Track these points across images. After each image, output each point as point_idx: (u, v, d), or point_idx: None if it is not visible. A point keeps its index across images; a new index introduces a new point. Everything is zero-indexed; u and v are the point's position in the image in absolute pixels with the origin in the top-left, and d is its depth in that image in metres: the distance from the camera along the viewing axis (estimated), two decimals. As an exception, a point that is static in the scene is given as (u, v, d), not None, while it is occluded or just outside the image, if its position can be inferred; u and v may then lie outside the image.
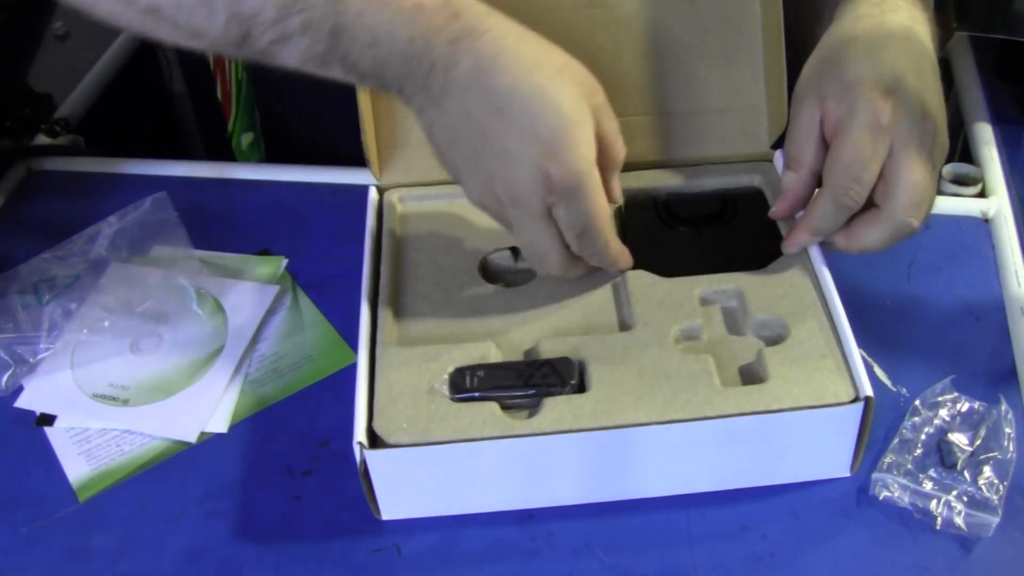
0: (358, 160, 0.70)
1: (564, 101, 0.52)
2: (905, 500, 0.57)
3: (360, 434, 0.54)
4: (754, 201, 0.68)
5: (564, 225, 0.56)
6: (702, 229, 0.67)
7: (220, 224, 0.78)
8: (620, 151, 0.58)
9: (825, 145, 0.59)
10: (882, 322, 0.67)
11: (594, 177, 0.54)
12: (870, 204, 0.59)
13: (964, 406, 0.61)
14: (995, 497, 0.56)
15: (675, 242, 0.66)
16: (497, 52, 0.52)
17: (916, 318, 0.68)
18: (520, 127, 0.52)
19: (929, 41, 0.62)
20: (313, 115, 0.95)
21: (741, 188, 0.69)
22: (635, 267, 0.63)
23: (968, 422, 0.60)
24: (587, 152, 0.53)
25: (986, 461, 0.58)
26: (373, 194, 0.70)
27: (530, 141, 0.52)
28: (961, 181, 0.78)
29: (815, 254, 0.63)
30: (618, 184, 0.61)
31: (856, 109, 0.57)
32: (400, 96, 0.55)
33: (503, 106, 0.52)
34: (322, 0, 0.51)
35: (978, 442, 0.59)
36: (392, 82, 0.54)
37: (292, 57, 0.53)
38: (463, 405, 0.56)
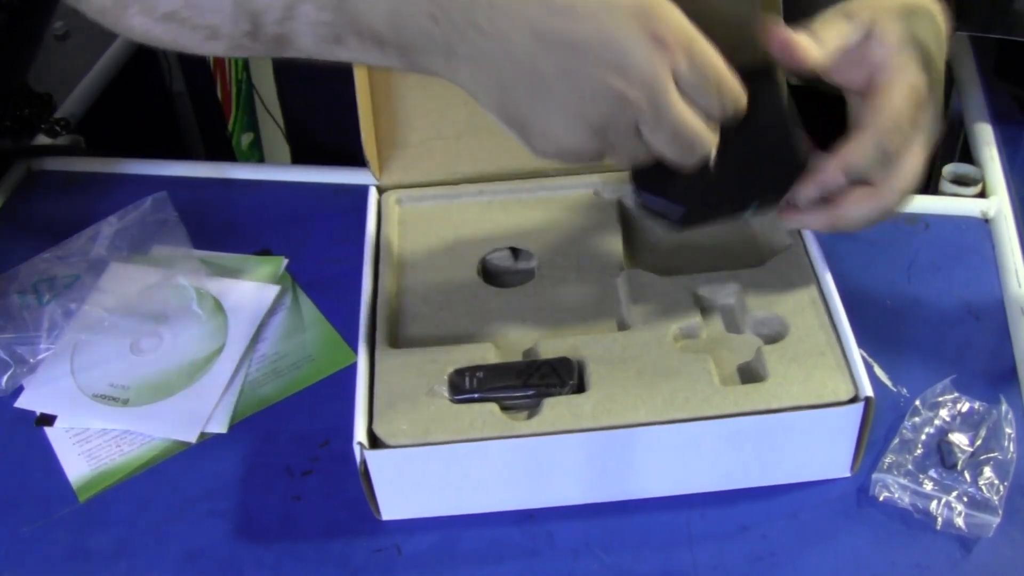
0: (362, 160, 0.70)
1: None
2: (905, 500, 0.57)
3: (360, 434, 0.54)
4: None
5: (695, 87, 0.49)
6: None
7: (220, 224, 0.79)
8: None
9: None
10: (882, 322, 0.67)
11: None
12: (862, 182, 0.56)
13: (964, 406, 0.61)
14: (995, 497, 0.56)
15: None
16: None
17: (916, 318, 0.68)
18: (599, 9, 0.47)
19: (944, 26, 0.59)
20: (335, 117, 0.95)
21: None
22: (634, 266, 0.63)
23: (968, 422, 0.60)
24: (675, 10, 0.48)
25: (986, 461, 0.58)
26: (373, 194, 0.70)
27: (619, 18, 0.47)
28: (961, 181, 0.78)
29: (815, 252, 0.63)
30: None
31: (904, 66, 0.54)
32: (428, 59, 0.49)
33: (571, 2, 0.47)
34: None
35: (978, 442, 0.59)
36: (415, 40, 0.48)
37: (305, 36, 0.50)
38: (463, 406, 0.56)
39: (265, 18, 0.50)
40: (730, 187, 0.55)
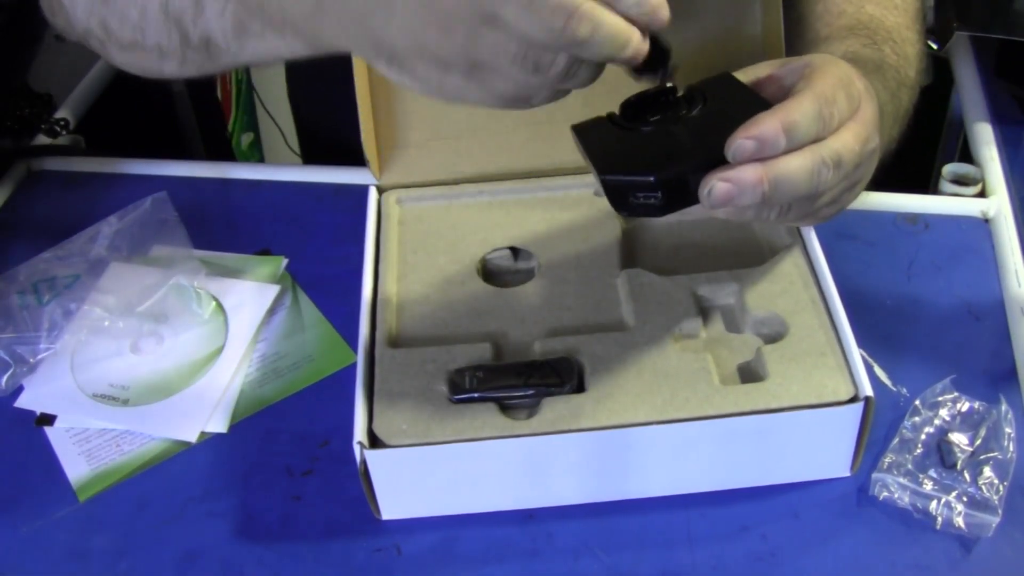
0: (362, 160, 0.70)
1: None
2: (905, 500, 0.57)
3: (360, 434, 0.54)
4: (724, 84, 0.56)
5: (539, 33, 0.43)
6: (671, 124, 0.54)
7: (220, 224, 0.79)
8: None
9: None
10: (882, 322, 0.67)
11: None
12: None
13: (964, 406, 0.61)
14: (995, 497, 0.56)
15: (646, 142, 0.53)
16: None
17: (916, 318, 0.68)
18: None
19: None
20: (345, 114, 0.95)
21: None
22: (634, 265, 0.63)
23: (968, 422, 0.60)
24: None
25: (986, 461, 0.58)
26: (373, 194, 0.70)
27: None
28: (961, 181, 0.78)
29: (815, 251, 0.63)
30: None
31: (834, 61, 0.53)
32: (312, 25, 0.50)
33: None
34: None
35: (978, 442, 0.59)
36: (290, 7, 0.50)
37: (216, 30, 0.55)
38: (462, 406, 0.56)
39: (185, 21, 0.56)
40: (699, 149, 0.51)
